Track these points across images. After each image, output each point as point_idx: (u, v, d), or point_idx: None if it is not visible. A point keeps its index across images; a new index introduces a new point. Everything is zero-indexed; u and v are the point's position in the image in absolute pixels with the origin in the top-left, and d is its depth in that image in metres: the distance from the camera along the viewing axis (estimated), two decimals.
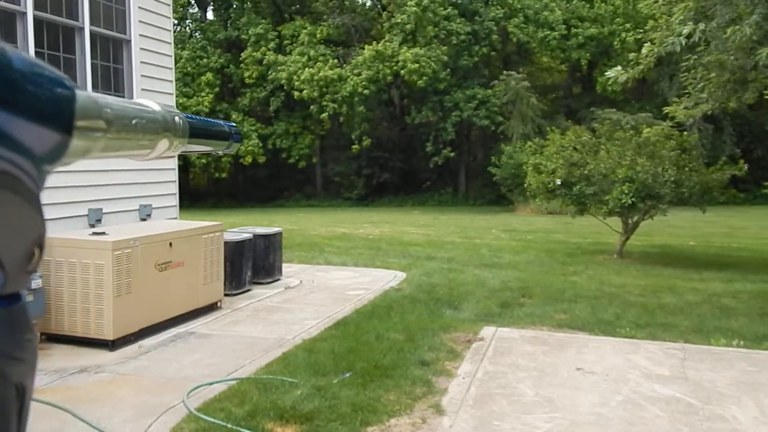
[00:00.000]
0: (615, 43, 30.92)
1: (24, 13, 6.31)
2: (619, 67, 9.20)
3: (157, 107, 0.80)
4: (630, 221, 11.28)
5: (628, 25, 30.08)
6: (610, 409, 4.30)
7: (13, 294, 0.45)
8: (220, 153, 1.04)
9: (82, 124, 0.53)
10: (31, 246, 0.46)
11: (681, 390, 4.64)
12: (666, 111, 11.25)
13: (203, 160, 31.50)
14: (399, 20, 31.13)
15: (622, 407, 4.33)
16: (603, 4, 32.14)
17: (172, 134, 0.81)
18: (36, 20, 6.43)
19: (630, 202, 10.20)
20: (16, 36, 6.30)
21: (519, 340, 5.98)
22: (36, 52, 6.42)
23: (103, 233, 5.93)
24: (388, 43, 30.98)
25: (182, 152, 0.90)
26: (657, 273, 9.83)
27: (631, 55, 9.31)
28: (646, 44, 8.67)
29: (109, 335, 5.50)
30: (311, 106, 31.78)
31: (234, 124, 1.08)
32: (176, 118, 0.83)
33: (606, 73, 9.83)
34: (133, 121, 0.70)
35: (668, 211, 10.83)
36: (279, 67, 31.77)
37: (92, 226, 6.82)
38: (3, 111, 0.40)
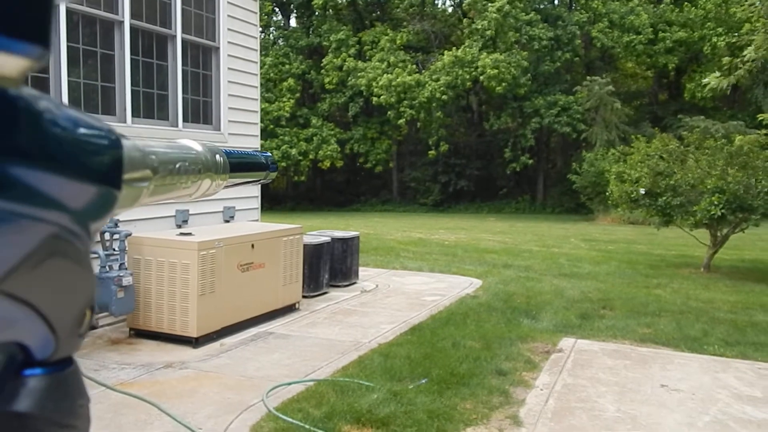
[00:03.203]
0: (705, 48, 29.63)
1: (122, 22, 6.63)
2: (717, 73, 8.84)
3: (198, 147, 0.80)
4: (719, 234, 10.80)
5: (720, 30, 28.77)
6: (697, 430, 4.12)
7: (64, 359, 0.44)
8: (259, 182, 1.06)
9: (129, 177, 0.52)
10: (83, 308, 0.45)
11: None
12: (760, 118, 10.73)
13: (283, 164, 32.15)
14: (479, 26, 30.90)
15: (710, 428, 4.14)
16: (693, 8, 30.91)
17: (213, 173, 0.82)
18: (132, 28, 6.74)
19: (720, 213, 9.77)
20: (114, 43, 6.63)
21: (599, 353, 5.82)
22: (131, 59, 6.74)
23: (189, 234, 6.15)
24: (467, 49, 30.76)
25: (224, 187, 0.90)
26: (748, 289, 9.37)
27: (725, 59, 8.92)
28: (749, 48, 8.30)
29: (193, 333, 5.69)
30: (389, 112, 31.97)
31: (270, 154, 1.08)
32: (217, 156, 0.83)
33: (704, 81, 9.44)
34: (177, 165, 0.70)
35: (761, 223, 10.32)
36: (359, 74, 32.13)
37: (179, 226, 7.08)
38: (47, 171, 0.38)
